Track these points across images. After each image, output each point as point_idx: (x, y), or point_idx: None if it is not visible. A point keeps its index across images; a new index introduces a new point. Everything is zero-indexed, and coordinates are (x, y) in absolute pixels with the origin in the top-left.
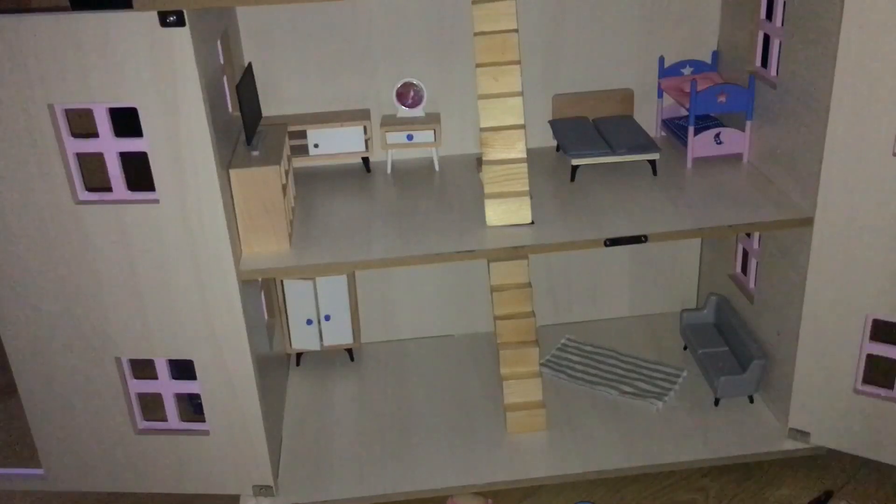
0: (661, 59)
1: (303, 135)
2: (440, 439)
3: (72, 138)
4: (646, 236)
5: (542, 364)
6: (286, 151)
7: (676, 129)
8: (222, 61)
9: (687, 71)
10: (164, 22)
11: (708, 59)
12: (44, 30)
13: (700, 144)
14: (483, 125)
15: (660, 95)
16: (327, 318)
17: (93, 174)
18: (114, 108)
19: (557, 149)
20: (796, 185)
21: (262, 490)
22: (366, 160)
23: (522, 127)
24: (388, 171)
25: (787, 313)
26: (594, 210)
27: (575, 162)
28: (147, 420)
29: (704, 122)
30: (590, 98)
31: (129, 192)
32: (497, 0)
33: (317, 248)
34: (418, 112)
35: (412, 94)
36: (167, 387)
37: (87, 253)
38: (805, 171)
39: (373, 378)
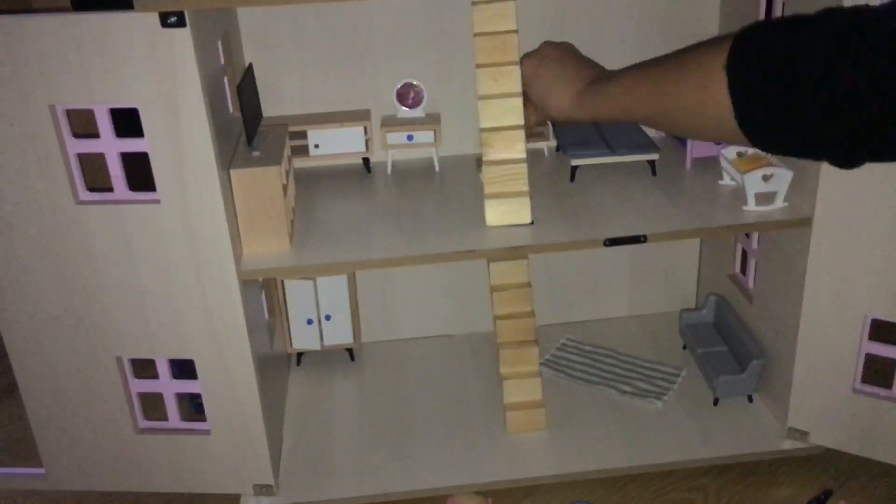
0: None
1: (303, 135)
2: (440, 439)
3: (73, 138)
4: (645, 236)
5: (541, 364)
6: (287, 152)
7: None
8: (223, 62)
9: None
10: (164, 23)
11: None
12: (45, 30)
13: (699, 145)
14: (483, 125)
15: None
16: (328, 317)
17: (93, 174)
18: (115, 109)
19: (557, 149)
20: (795, 185)
21: (262, 489)
22: (366, 160)
23: (522, 127)
24: (389, 171)
25: (786, 313)
26: (594, 210)
27: (574, 162)
28: (148, 419)
29: None
30: None
31: (130, 192)
32: (497, 0)
33: (317, 248)
34: (418, 112)
35: (412, 94)
36: (168, 386)
37: (88, 253)
38: (804, 170)
39: (373, 378)
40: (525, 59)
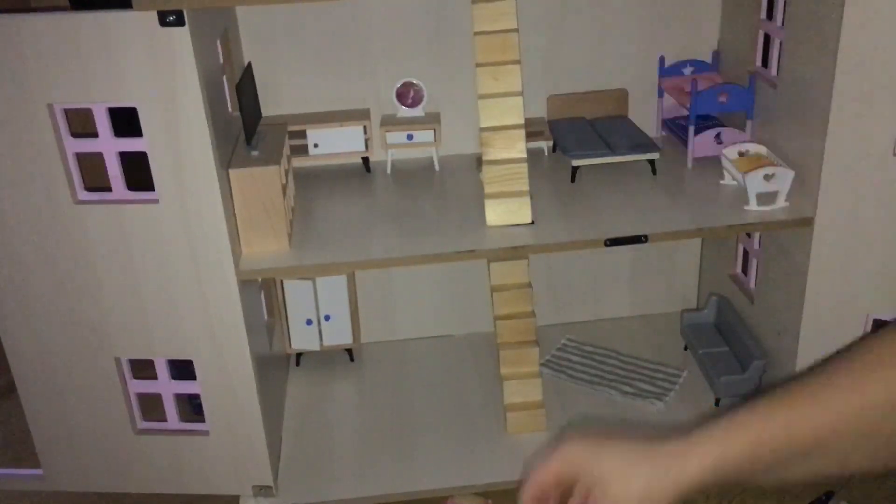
0: (662, 59)
1: (302, 135)
2: (440, 439)
3: (71, 138)
4: (646, 236)
5: (542, 364)
6: (286, 151)
7: (677, 128)
8: (222, 61)
9: (687, 71)
10: (163, 22)
11: (708, 59)
12: (43, 29)
13: (701, 144)
14: (483, 125)
15: (660, 95)
16: (327, 318)
17: (93, 175)
18: (113, 108)
19: (554, 149)
20: (797, 185)
21: (261, 490)
22: (366, 160)
23: (522, 127)
24: (388, 170)
25: (788, 313)
26: (594, 210)
27: (576, 163)
28: (146, 420)
29: (705, 122)
30: (584, 98)
31: (129, 191)
32: (497, 0)
33: (317, 248)
34: (418, 112)
35: (412, 93)
36: (167, 387)
37: (87, 253)
38: (805, 170)
39: (373, 378)
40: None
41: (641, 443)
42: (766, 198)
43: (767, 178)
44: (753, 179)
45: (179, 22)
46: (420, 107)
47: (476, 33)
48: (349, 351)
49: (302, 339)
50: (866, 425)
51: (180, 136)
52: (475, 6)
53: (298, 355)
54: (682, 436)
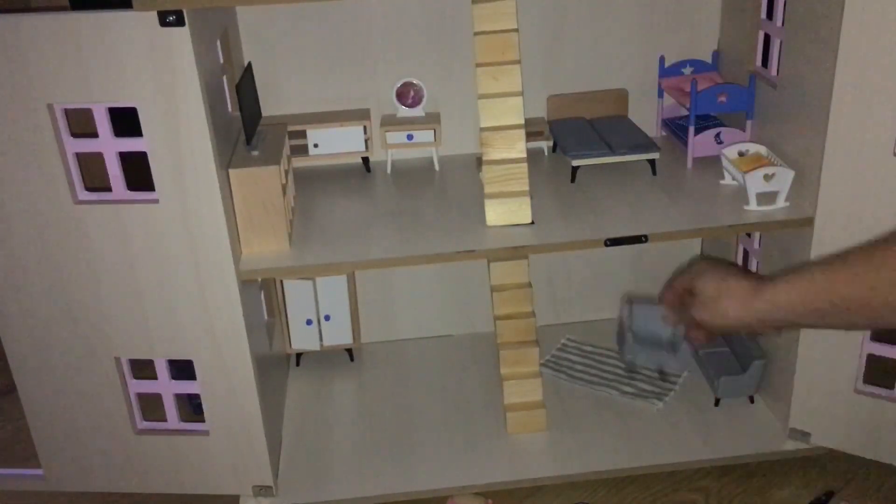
0: (662, 59)
1: (303, 135)
2: (440, 439)
3: (71, 138)
4: (646, 236)
5: (542, 364)
6: (286, 151)
7: (677, 128)
8: (222, 61)
9: (687, 71)
10: (163, 22)
11: (708, 59)
12: (43, 29)
13: (701, 144)
14: (483, 125)
15: (660, 95)
16: (327, 318)
17: (93, 175)
18: (113, 108)
19: (554, 149)
20: (797, 185)
21: (261, 490)
22: (366, 160)
23: (522, 127)
24: (388, 170)
25: None
26: (594, 210)
27: (576, 163)
28: (147, 420)
29: (705, 122)
30: (584, 98)
31: (129, 191)
32: (497, 0)
33: (317, 248)
34: (418, 112)
35: (412, 93)
36: (167, 387)
37: (87, 253)
38: (806, 170)
39: (373, 378)
40: (682, 274)
41: (739, 277)
42: (766, 198)
43: (767, 178)
44: (753, 179)
45: (179, 22)
46: (420, 107)
47: (476, 33)
48: (349, 351)
49: (302, 339)
50: (880, 297)
51: (180, 136)
52: (475, 6)
53: (298, 355)
54: (767, 280)
